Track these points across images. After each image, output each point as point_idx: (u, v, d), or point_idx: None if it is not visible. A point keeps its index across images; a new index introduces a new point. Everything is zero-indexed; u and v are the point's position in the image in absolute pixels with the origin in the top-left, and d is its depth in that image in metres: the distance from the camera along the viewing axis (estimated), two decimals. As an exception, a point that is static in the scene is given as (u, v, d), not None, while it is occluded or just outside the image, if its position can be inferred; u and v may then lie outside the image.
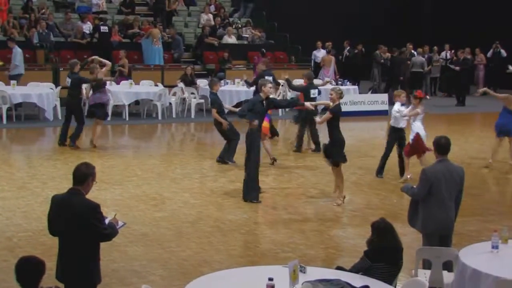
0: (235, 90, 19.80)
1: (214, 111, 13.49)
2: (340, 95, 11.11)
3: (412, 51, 25.37)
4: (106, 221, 5.91)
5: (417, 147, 12.33)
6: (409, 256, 7.19)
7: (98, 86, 14.82)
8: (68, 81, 15.18)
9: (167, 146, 16.81)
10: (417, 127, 12.35)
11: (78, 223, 5.69)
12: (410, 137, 12.46)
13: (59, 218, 5.84)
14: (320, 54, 25.02)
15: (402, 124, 12.53)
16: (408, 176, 12.37)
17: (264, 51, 22.55)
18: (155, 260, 8.49)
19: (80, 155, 14.37)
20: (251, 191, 11.08)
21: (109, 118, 17.44)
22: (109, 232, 5.85)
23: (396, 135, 12.61)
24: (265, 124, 13.05)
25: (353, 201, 11.56)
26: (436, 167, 7.31)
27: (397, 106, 12.49)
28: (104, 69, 15.27)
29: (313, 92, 14.82)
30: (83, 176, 5.84)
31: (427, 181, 7.21)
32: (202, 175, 12.98)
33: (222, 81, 20.47)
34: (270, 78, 15.99)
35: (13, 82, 18.05)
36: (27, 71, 19.63)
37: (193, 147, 16.47)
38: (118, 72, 20.29)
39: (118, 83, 19.45)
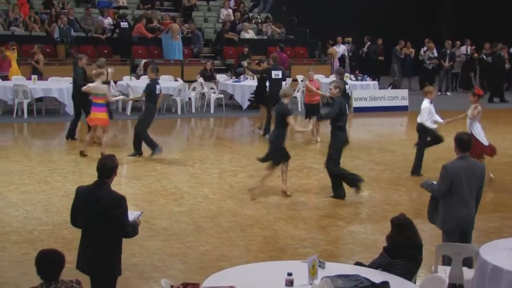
0: (254, 85, 19.75)
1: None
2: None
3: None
4: (130, 218, 5.96)
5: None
6: (429, 252, 7.15)
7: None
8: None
9: (187, 141, 16.84)
10: (479, 130, 11.85)
11: (103, 214, 5.75)
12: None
13: (84, 209, 5.90)
14: (340, 49, 24.94)
15: (429, 124, 12.34)
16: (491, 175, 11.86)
17: (283, 46, 22.52)
18: (174, 255, 8.52)
19: (99, 149, 14.44)
20: (335, 188, 11.12)
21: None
22: (130, 229, 5.91)
23: (426, 132, 12.47)
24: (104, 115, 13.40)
25: (372, 197, 11.52)
26: (457, 163, 7.25)
27: (425, 103, 12.31)
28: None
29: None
30: (109, 169, 5.92)
31: (448, 177, 7.16)
32: (221, 170, 13.00)
33: (242, 76, 20.51)
34: (279, 73, 16.08)
35: (34, 76, 18.16)
36: (47, 66, 19.75)
37: (212, 142, 16.49)
38: (32, 68, 19.33)
39: (29, 78, 18.47)
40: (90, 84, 13.50)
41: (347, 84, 15.24)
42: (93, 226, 5.83)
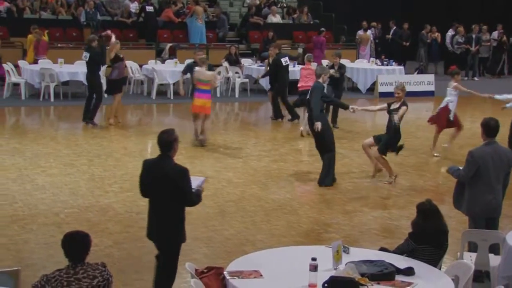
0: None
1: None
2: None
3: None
4: (194, 185, 6.19)
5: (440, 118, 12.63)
6: (455, 238, 7.11)
7: (113, 62, 14.87)
8: (85, 55, 15.17)
9: (211, 125, 16.79)
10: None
11: (167, 185, 6.02)
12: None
13: (150, 180, 6.17)
14: (364, 34, 24.75)
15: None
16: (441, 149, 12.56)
17: (323, 30, 22.52)
18: (198, 239, 8.55)
19: (125, 133, 14.55)
20: (324, 177, 11.03)
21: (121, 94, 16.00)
22: (194, 198, 6.16)
23: None
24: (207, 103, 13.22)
25: (398, 182, 11.45)
26: (484, 149, 7.18)
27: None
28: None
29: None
30: (168, 143, 6.15)
31: (474, 163, 7.10)
32: (245, 154, 13.00)
33: (266, 60, 20.42)
34: (287, 59, 16.07)
35: (60, 60, 18.27)
36: (73, 49, 19.85)
37: (237, 126, 16.50)
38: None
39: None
40: (197, 68, 13.27)
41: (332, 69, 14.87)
42: (158, 197, 6.12)
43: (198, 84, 13.15)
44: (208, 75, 13.12)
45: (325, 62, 20.58)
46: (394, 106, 10.97)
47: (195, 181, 6.29)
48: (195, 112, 13.37)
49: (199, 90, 13.14)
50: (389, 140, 11.01)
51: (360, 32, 24.64)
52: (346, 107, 11.45)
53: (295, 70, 19.21)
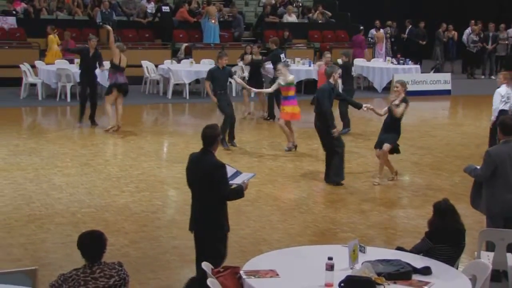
0: (295, 69, 19.65)
1: (207, 83, 13.51)
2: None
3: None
4: (239, 180, 6.44)
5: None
6: (472, 238, 7.06)
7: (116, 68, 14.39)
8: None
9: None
10: None
11: (205, 178, 6.27)
12: None
13: (193, 173, 6.47)
14: (378, 33, 24.68)
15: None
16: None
17: (363, 28, 22.68)
18: (214, 238, 8.53)
19: (141, 133, 14.58)
20: (333, 175, 10.97)
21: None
22: (228, 193, 6.35)
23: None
24: (295, 109, 12.87)
25: (414, 182, 11.41)
26: (501, 148, 7.13)
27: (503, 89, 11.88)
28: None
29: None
30: (211, 138, 6.39)
31: (492, 162, 7.05)
32: (261, 154, 13.00)
33: (279, 64, 20.37)
34: (283, 56, 16.08)
35: (77, 60, 18.33)
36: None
37: (252, 126, 16.49)
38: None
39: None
40: (291, 77, 12.93)
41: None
42: (198, 188, 6.39)
43: (284, 91, 12.87)
44: (291, 79, 12.92)
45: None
46: (395, 102, 10.80)
47: (243, 177, 6.55)
48: (289, 119, 13.02)
49: (287, 97, 12.86)
50: (396, 138, 10.89)
51: (373, 31, 24.56)
52: (359, 107, 11.39)
53: (311, 70, 19.22)
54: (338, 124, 12.69)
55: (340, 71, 11.35)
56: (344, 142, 11.12)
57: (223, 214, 6.44)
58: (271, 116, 16.32)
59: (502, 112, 11.38)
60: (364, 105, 11.21)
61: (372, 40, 24.60)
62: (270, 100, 16.28)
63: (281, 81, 12.82)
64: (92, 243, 5.06)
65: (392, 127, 10.83)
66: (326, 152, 11.06)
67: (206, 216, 6.37)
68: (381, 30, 24.61)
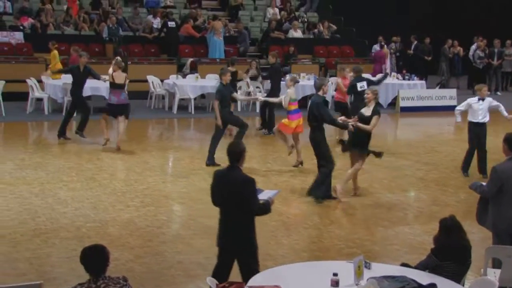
0: (300, 84, 19.70)
1: (216, 103, 12.79)
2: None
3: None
4: (264, 196, 6.48)
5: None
6: (478, 254, 7.02)
7: (111, 86, 14.26)
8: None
9: (232, 140, 16.87)
10: None
11: (234, 194, 6.30)
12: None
13: (220, 190, 6.46)
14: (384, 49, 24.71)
15: (481, 118, 12.20)
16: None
17: (384, 44, 23.03)
18: (219, 253, 8.52)
19: (146, 148, 14.60)
20: (315, 188, 10.95)
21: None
22: (257, 207, 6.36)
23: (476, 130, 12.30)
24: (298, 122, 12.81)
25: (420, 198, 11.39)
26: (508, 165, 7.11)
27: (472, 99, 12.24)
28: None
29: (361, 85, 14.51)
30: (238, 154, 6.43)
31: (498, 179, 7.03)
32: (266, 169, 12.99)
33: (287, 75, 20.44)
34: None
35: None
36: (96, 64, 19.99)
37: (257, 141, 16.49)
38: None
39: None
40: (289, 90, 12.93)
41: (364, 81, 14.85)
42: (228, 205, 6.40)
43: (290, 105, 12.87)
44: (294, 94, 13.00)
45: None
46: (366, 112, 10.68)
47: (267, 193, 6.61)
48: (295, 132, 12.95)
49: (293, 111, 12.85)
50: (367, 146, 10.78)
51: (377, 47, 24.61)
52: (346, 128, 11.16)
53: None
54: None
55: (328, 83, 11.30)
56: (335, 163, 10.96)
57: (253, 229, 6.46)
58: (268, 128, 16.35)
59: None
60: (349, 124, 10.80)
61: (375, 56, 24.62)
62: (263, 111, 16.44)
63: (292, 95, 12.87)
64: (94, 257, 5.06)
65: (364, 136, 10.73)
66: (317, 164, 11.03)
67: (237, 232, 6.39)
68: (385, 47, 24.64)
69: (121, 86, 14.00)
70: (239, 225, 6.36)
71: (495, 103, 12.42)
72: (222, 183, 6.44)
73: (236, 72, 16.20)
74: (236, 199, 6.29)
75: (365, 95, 10.89)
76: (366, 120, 10.59)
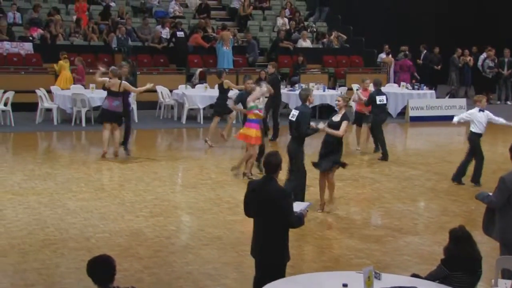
0: (318, 93, 19.72)
1: (235, 106, 13.76)
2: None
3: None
4: (297, 209, 6.41)
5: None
6: (489, 265, 6.98)
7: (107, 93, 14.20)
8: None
9: (241, 150, 16.82)
10: None
11: (270, 205, 6.22)
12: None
13: (255, 201, 6.40)
14: (387, 58, 24.66)
15: (477, 129, 12.28)
16: None
17: (408, 54, 23.30)
18: (228, 264, 8.52)
19: (155, 158, 14.61)
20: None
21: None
22: (294, 220, 6.30)
23: (478, 140, 12.35)
24: (257, 132, 12.50)
25: (430, 208, 11.34)
26: (516, 174, 7.07)
27: (474, 110, 12.29)
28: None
29: (380, 99, 14.62)
30: (276, 165, 6.37)
31: (506, 189, 6.97)
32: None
33: (297, 85, 20.46)
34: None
35: (92, 85, 18.47)
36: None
37: (266, 151, 16.46)
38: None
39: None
40: (256, 93, 12.69)
41: (384, 95, 14.96)
42: (262, 216, 6.33)
43: (249, 114, 12.65)
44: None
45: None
46: (336, 119, 10.66)
47: (299, 206, 6.58)
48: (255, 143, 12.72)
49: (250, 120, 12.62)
50: (337, 156, 10.63)
51: (383, 55, 24.56)
52: (316, 132, 10.78)
53: (325, 95, 19.37)
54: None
55: (312, 93, 11.20)
56: (302, 183, 10.67)
57: (287, 241, 6.41)
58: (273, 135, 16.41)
59: None
60: (319, 127, 10.61)
61: (384, 65, 24.58)
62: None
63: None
64: (99, 268, 5.06)
65: (335, 146, 10.63)
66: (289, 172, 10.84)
67: (272, 244, 6.32)
68: (390, 56, 24.59)
69: (115, 94, 14.06)
70: (275, 236, 6.28)
71: (491, 115, 12.48)
72: (258, 194, 6.36)
73: (222, 83, 16.16)
74: (271, 211, 6.22)
75: (336, 102, 11.00)
76: (335, 126, 10.61)
